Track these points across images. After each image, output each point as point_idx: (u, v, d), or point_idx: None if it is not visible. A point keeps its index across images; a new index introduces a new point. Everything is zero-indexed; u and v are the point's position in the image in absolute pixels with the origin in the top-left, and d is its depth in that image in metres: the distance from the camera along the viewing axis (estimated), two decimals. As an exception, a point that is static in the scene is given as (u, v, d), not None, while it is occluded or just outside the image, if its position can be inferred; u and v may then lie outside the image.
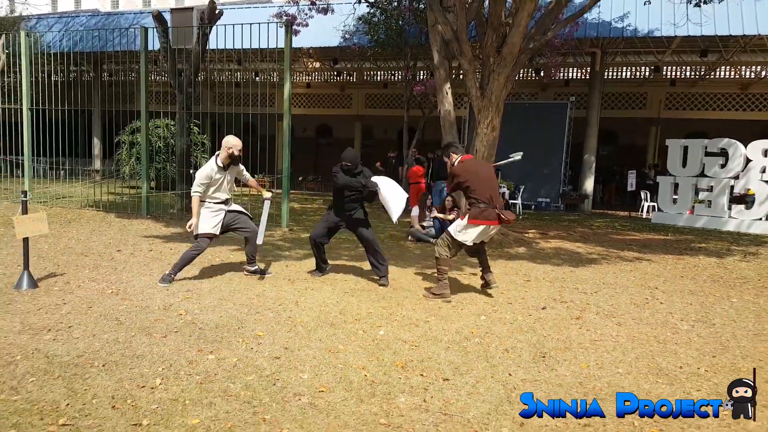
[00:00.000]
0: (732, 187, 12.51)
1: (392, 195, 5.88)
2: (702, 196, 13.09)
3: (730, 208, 12.56)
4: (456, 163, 5.47)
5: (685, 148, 13.34)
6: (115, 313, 4.50)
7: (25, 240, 5.25)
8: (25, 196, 5.31)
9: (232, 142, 5.61)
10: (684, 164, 13.30)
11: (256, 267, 6.02)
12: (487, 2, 9.58)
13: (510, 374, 3.57)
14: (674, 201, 13.55)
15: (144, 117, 10.55)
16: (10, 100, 17.00)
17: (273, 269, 6.38)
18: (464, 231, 5.27)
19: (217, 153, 5.62)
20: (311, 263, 6.82)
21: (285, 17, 14.23)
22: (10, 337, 3.85)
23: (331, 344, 3.96)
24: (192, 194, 5.53)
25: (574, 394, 3.28)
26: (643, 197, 16.05)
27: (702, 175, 13.05)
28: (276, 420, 2.83)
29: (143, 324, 4.24)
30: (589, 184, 17.13)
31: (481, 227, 5.21)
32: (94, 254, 6.89)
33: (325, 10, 14.62)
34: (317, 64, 22.58)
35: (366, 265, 6.81)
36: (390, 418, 2.91)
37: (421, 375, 3.48)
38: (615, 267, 7.47)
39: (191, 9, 16.41)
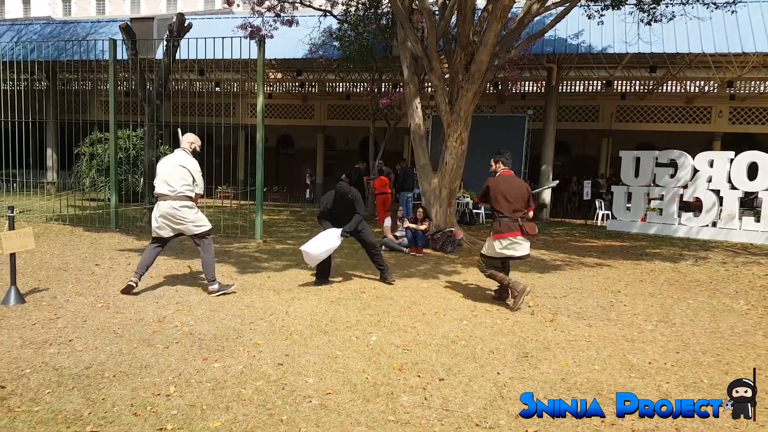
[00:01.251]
0: (681, 196, 13.31)
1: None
2: (653, 204, 13.86)
3: (679, 216, 13.34)
4: (496, 175, 5.86)
5: (638, 159, 14.10)
6: (111, 326, 4.59)
7: (12, 255, 5.26)
8: (12, 212, 5.33)
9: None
10: (636, 174, 14.06)
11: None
12: (454, 20, 9.99)
13: (498, 373, 3.87)
14: (628, 209, 14.28)
15: (113, 129, 10.48)
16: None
17: (255, 281, 6.52)
18: (489, 247, 5.66)
19: (185, 149, 5.82)
20: (292, 273, 7.05)
21: (249, 29, 14.35)
22: (13, 352, 3.91)
23: (328, 350, 4.17)
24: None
25: (558, 389, 3.60)
26: (597, 206, 16.81)
27: (653, 184, 13.82)
28: (292, 420, 3.04)
29: (142, 336, 4.35)
30: (546, 194, 17.79)
31: (505, 240, 5.56)
32: (73, 269, 6.88)
33: (290, 23, 14.81)
34: (279, 75, 22.69)
35: (347, 275, 7.08)
36: (397, 415, 3.16)
37: (418, 376, 3.74)
38: (579, 272, 7.92)
39: (152, 19, 16.33)
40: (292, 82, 23.19)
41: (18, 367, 3.63)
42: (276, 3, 14.58)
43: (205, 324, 4.73)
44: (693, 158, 13.11)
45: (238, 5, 17.60)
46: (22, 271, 6.52)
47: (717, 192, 12.79)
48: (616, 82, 20.51)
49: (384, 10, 14.56)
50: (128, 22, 11.31)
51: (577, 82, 21.33)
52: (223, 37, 9.53)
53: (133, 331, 4.45)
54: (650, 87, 20.34)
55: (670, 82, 20.09)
